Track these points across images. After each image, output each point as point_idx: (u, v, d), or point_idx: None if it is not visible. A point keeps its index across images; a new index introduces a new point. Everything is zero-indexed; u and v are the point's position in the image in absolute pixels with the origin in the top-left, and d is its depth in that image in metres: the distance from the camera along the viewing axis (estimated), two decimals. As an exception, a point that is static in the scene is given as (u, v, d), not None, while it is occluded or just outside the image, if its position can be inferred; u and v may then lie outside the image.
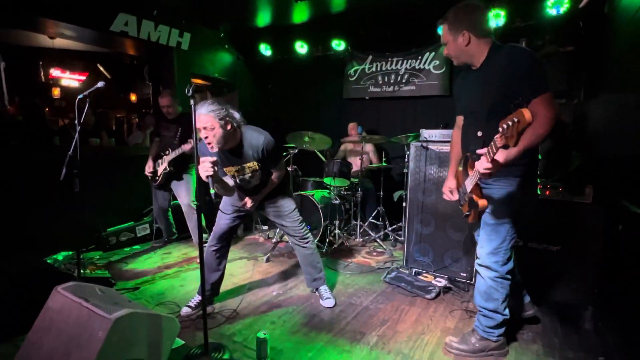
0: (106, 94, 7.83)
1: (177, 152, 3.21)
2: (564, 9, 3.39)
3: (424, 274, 2.91)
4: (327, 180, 3.87)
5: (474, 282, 2.68)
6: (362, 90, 4.88)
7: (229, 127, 2.00)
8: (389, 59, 4.65)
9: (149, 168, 3.40)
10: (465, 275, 2.76)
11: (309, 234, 2.51)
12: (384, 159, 4.10)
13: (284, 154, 3.92)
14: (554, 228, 2.46)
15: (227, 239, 2.42)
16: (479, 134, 1.69)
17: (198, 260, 1.93)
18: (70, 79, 7.44)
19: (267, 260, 3.37)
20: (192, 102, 1.67)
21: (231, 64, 5.13)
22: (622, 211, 2.20)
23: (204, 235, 3.06)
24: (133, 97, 8.69)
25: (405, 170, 3.29)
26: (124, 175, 3.91)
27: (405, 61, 4.55)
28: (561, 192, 2.58)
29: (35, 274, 2.16)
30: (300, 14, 4.25)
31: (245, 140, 2.13)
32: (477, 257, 1.88)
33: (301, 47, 4.95)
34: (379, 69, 4.74)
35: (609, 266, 2.30)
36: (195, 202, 3.33)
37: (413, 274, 2.95)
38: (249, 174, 2.22)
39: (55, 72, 7.14)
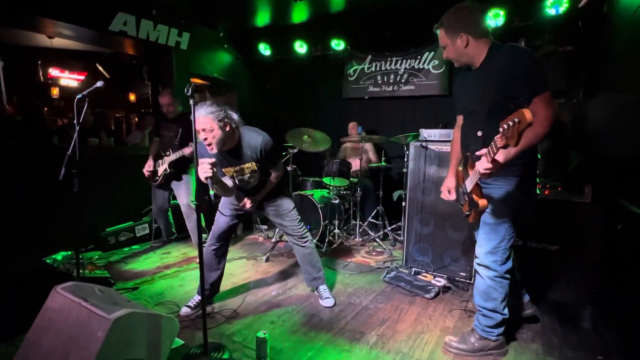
0: (105, 93, 7.81)
1: (178, 155, 3.20)
2: (563, 8, 3.39)
3: (424, 274, 2.91)
4: (326, 179, 3.87)
5: (473, 281, 2.68)
6: (362, 90, 4.88)
7: (227, 129, 2.01)
8: (388, 59, 4.65)
9: (148, 167, 3.40)
10: (464, 274, 2.76)
11: (308, 234, 2.51)
12: (383, 159, 4.10)
13: (283, 153, 3.92)
14: (553, 227, 2.46)
15: (226, 238, 2.42)
16: (479, 133, 1.69)
17: (197, 260, 1.94)
18: (69, 79, 7.43)
19: (267, 260, 3.37)
20: (191, 101, 1.67)
21: (230, 63, 5.13)
22: (621, 211, 2.20)
23: (203, 235, 3.06)
24: (132, 97, 8.69)
25: (404, 170, 3.29)
26: (123, 175, 3.90)
27: (404, 61, 4.56)
28: (560, 191, 2.59)
29: (34, 274, 2.16)
30: (299, 14, 4.25)
31: (244, 141, 2.14)
32: (476, 257, 1.88)
33: (300, 47, 4.95)
34: (378, 68, 4.74)
35: (608, 266, 2.31)
36: (195, 202, 3.33)
37: (412, 273, 2.95)
38: (248, 175, 2.22)
39: (54, 72, 7.12)
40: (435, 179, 2.86)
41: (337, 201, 3.72)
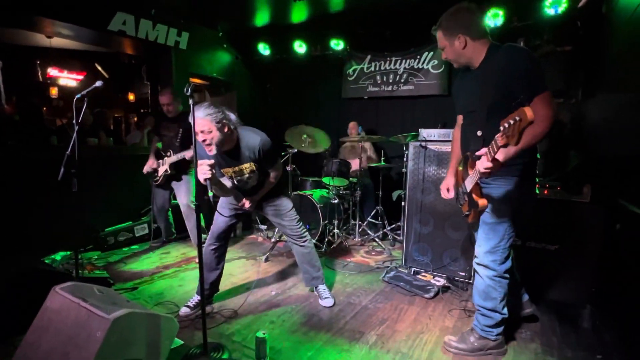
0: (104, 93, 7.79)
1: (179, 157, 3.19)
2: (561, 8, 3.40)
3: (423, 273, 2.91)
4: (325, 179, 3.87)
5: (472, 281, 2.68)
6: (361, 89, 4.88)
7: (226, 130, 2.01)
8: (388, 59, 4.65)
9: (149, 166, 3.38)
10: (463, 274, 2.77)
11: (307, 233, 2.51)
12: (382, 158, 4.10)
13: (283, 153, 3.92)
14: (552, 227, 2.47)
15: (225, 238, 2.42)
16: (479, 133, 1.69)
17: (197, 260, 1.93)
18: (67, 79, 7.42)
19: (266, 259, 3.36)
20: (191, 101, 1.67)
21: (229, 63, 5.13)
22: (620, 210, 2.21)
23: (203, 235, 3.06)
24: (131, 97, 8.68)
25: (404, 170, 3.29)
26: (122, 175, 3.90)
27: (403, 61, 4.56)
28: (559, 191, 2.59)
29: (33, 274, 2.15)
30: (298, 14, 4.25)
31: (242, 141, 2.14)
32: (475, 256, 1.88)
33: (300, 47, 4.95)
34: (377, 68, 4.74)
35: (607, 265, 2.31)
36: (194, 202, 3.33)
37: (412, 273, 2.95)
38: (247, 175, 2.22)
39: (52, 72, 7.11)
40: (434, 178, 2.86)
41: (336, 201, 3.72)
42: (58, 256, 2.98)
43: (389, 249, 3.70)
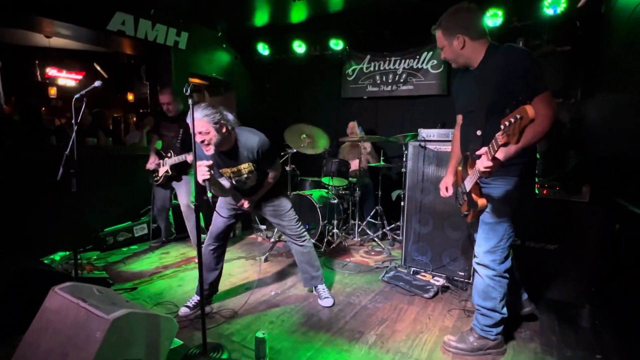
0: (103, 93, 7.77)
1: (180, 159, 3.19)
2: (561, 8, 3.41)
3: (422, 273, 2.91)
4: (325, 179, 3.87)
5: (472, 281, 2.68)
6: (360, 89, 4.88)
7: (223, 130, 2.01)
8: (387, 59, 4.65)
9: (152, 162, 3.37)
10: (463, 274, 2.77)
11: (306, 233, 2.51)
12: (382, 158, 4.09)
13: (282, 153, 3.91)
14: (551, 227, 2.47)
15: (224, 238, 2.42)
16: (478, 133, 1.70)
17: (196, 260, 1.93)
18: (66, 79, 7.40)
19: (266, 259, 3.36)
20: (190, 101, 1.68)
21: (229, 63, 5.13)
22: (618, 210, 2.21)
23: (202, 236, 3.06)
24: (130, 97, 8.66)
25: (403, 170, 3.29)
26: (122, 175, 3.89)
27: (403, 61, 4.56)
28: (558, 191, 2.59)
29: (32, 275, 2.15)
30: (298, 14, 4.25)
31: (240, 141, 2.14)
32: (475, 256, 1.88)
33: (299, 47, 4.95)
34: (376, 68, 4.74)
35: (606, 265, 2.31)
36: (194, 202, 3.32)
37: (411, 273, 2.95)
38: (245, 176, 2.22)
39: (51, 72, 7.10)
40: (433, 178, 2.86)
41: (335, 201, 3.72)
42: (57, 256, 2.98)
43: (389, 248, 3.70)
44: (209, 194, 1.82)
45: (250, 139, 2.14)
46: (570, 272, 2.42)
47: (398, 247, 3.77)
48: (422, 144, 2.89)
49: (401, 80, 4.59)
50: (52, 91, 7.32)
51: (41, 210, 3.12)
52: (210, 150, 2.02)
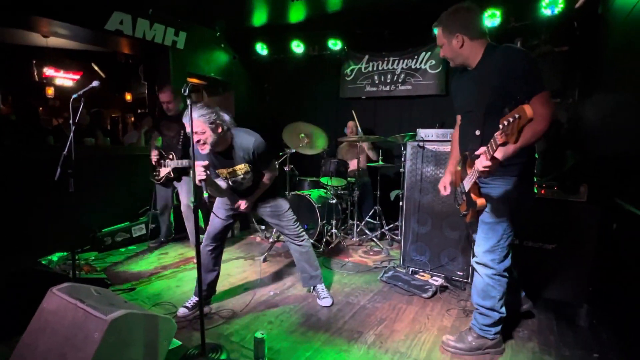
0: (101, 93, 7.76)
1: (182, 164, 3.17)
2: (558, 9, 3.42)
3: (421, 273, 2.92)
4: (323, 179, 3.87)
5: (470, 280, 2.69)
6: (359, 89, 4.88)
7: (219, 130, 2.02)
8: (385, 59, 4.65)
9: (153, 157, 3.35)
10: (461, 274, 2.77)
11: (304, 233, 2.52)
12: (380, 158, 4.09)
13: (280, 153, 3.91)
14: (549, 227, 2.48)
15: (222, 239, 2.42)
16: (477, 132, 1.70)
17: (195, 261, 1.92)
18: (64, 78, 7.37)
19: (264, 260, 3.36)
20: (189, 101, 1.68)
21: (227, 63, 5.12)
22: (616, 210, 2.22)
23: (201, 236, 3.06)
24: (128, 97, 8.64)
25: (401, 170, 3.29)
26: (120, 175, 3.88)
27: (401, 61, 4.56)
28: (556, 191, 2.60)
29: (29, 275, 2.14)
30: (296, 14, 4.25)
31: (236, 142, 2.14)
32: (474, 255, 1.89)
33: (297, 47, 4.94)
34: (375, 68, 4.74)
35: (604, 264, 2.32)
36: (194, 202, 3.32)
37: (410, 273, 2.96)
38: (241, 176, 2.22)
39: (49, 71, 7.06)
40: (432, 178, 2.86)
41: (334, 201, 3.72)
42: (55, 257, 2.96)
43: (387, 248, 3.70)
44: (205, 194, 1.83)
45: (246, 139, 2.14)
46: (568, 272, 2.43)
47: (397, 247, 3.77)
48: (421, 144, 2.89)
49: (399, 80, 4.59)
50: (50, 91, 7.29)
51: (39, 210, 3.10)
52: (206, 150, 2.03)
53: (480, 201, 1.65)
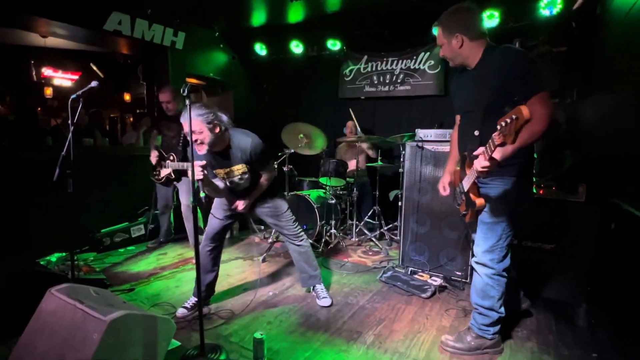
0: (99, 93, 7.73)
1: (183, 167, 3.17)
2: (557, 9, 3.43)
3: (420, 273, 2.92)
4: (322, 179, 3.87)
5: (469, 280, 2.70)
6: (358, 90, 4.88)
7: (216, 130, 2.02)
8: (384, 59, 4.66)
9: (153, 158, 3.35)
10: (460, 274, 2.78)
11: (303, 233, 2.52)
12: (379, 158, 4.10)
13: (279, 154, 3.91)
14: (547, 226, 2.48)
15: (220, 239, 2.42)
16: (476, 132, 1.71)
17: (193, 261, 1.92)
18: (62, 79, 7.35)
19: (263, 260, 3.36)
20: (187, 102, 1.68)
21: (226, 63, 5.11)
22: (614, 210, 2.23)
23: (200, 237, 3.06)
24: (127, 97, 8.62)
25: (400, 170, 3.30)
26: (118, 175, 3.87)
27: (400, 61, 4.57)
28: (555, 191, 2.60)
29: (28, 276, 2.13)
30: (295, 14, 4.25)
31: (233, 143, 2.15)
32: (473, 255, 1.89)
33: (296, 47, 4.94)
34: (374, 68, 4.74)
35: (602, 264, 2.33)
36: (193, 202, 3.32)
37: (409, 273, 2.96)
38: (238, 177, 2.22)
39: (47, 72, 7.04)
40: (431, 178, 2.87)
41: (333, 201, 3.72)
42: (53, 257, 2.95)
43: (386, 248, 3.70)
44: (202, 194, 1.83)
45: (244, 140, 2.14)
46: (567, 272, 2.43)
47: (396, 247, 3.78)
48: (420, 144, 2.90)
49: (398, 81, 4.60)
50: (48, 91, 7.27)
51: (37, 211, 3.10)
52: (203, 150, 2.03)
53: (479, 201, 1.65)
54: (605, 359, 1.91)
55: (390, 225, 4.03)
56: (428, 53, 4.38)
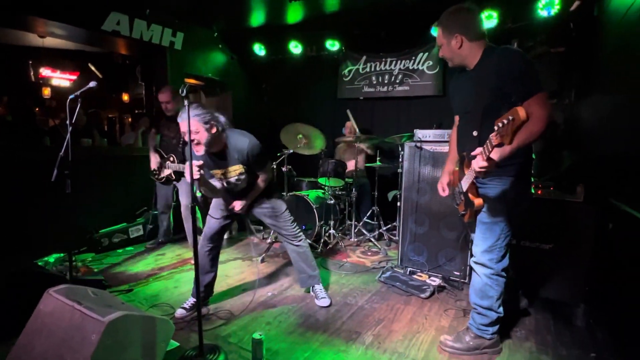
0: (98, 93, 7.73)
1: (182, 168, 3.17)
2: (554, 10, 3.43)
3: (419, 273, 2.92)
4: (321, 180, 3.87)
5: (467, 280, 2.70)
6: (356, 90, 4.89)
7: (213, 131, 2.02)
8: (383, 59, 4.66)
9: (153, 164, 3.35)
10: (459, 274, 2.78)
11: (301, 233, 2.52)
12: (378, 158, 4.10)
13: (278, 154, 3.91)
14: (546, 227, 2.49)
15: (219, 239, 2.42)
16: (474, 133, 1.71)
17: (192, 262, 1.91)
18: (60, 79, 7.34)
19: (262, 260, 3.36)
20: (186, 102, 1.69)
21: (225, 63, 5.11)
22: (612, 210, 2.24)
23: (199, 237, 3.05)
24: (125, 97, 8.61)
25: (399, 170, 3.30)
26: (117, 176, 3.86)
27: (398, 61, 4.57)
28: (553, 191, 2.61)
29: (25, 277, 2.13)
30: (294, 14, 4.25)
31: (230, 143, 2.15)
32: (472, 255, 1.90)
33: (295, 47, 4.94)
34: (372, 69, 4.75)
35: (600, 264, 2.34)
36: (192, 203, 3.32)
37: (407, 273, 2.96)
38: (235, 177, 2.22)
39: (45, 72, 7.03)
40: (429, 179, 2.87)
41: (332, 201, 3.72)
42: (51, 258, 2.94)
43: (385, 249, 3.71)
44: (199, 194, 1.83)
45: (241, 141, 2.14)
46: (565, 272, 2.44)
47: (394, 247, 3.78)
48: (418, 144, 2.90)
49: (397, 81, 4.60)
50: (46, 91, 7.25)
51: (35, 212, 3.09)
52: (201, 150, 2.03)
53: (478, 201, 1.65)
54: (603, 358, 1.92)
55: (389, 226, 4.03)
56: (426, 53, 4.39)
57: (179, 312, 2.30)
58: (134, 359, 1.49)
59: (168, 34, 4.15)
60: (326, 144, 3.89)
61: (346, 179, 3.95)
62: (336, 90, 5.04)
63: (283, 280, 2.95)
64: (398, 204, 3.40)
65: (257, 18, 4.46)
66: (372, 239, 3.87)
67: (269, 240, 3.70)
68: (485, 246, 1.80)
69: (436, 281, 2.75)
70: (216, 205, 2.40)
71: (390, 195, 3.86)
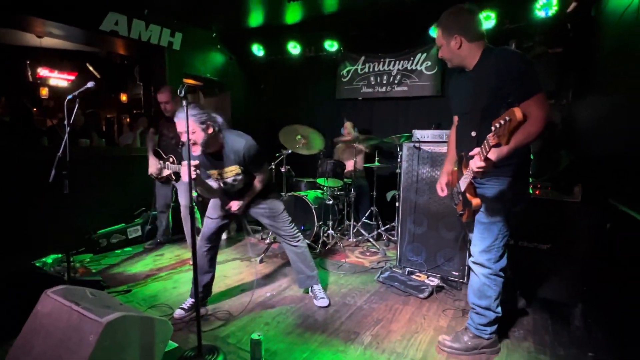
0: (96, 94, 7.71)
1: (179, 170, 3.17)
2: (552, 11, 3.45)
3: (417, 274, 2.93)
4: (320, 180, 3.87)
5: (466, 280, 2.71)
6: (355, 90, 4.89)
7: (210, 131, 2.03)
8: (381, 60, 4.67)
9: (152, 168, 3.34)
10: (457, 274, 2.79)
11: (299, 233, 2.52)
12: (376, 159, 4.10)
13: (277, 154, 3.91)
14: (543, 227, 2.50)
15: (217, 240, 2.42)
16: (473, 133, 1.72)
17: (190, 262, 1.91)
18: (58, 79, 7.33)
19: (261, 261, 3.35)
20: (184, 102, 1.68)
21: (223, 64, 5.11)
22: (610, 210, 2.24)
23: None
24: (123, 97, 8.60)
25: (398, 171, 3.30)
26: (115, 176, 3.85)
27: (397, 62, 4.58)
28: (551, 191, 2.62)
29: (23, 277, 2.12)
30: (293, 15, 4.25)
31: (227, 144, 2.15)
32: (470, 255, 1.90)
33: (294, 48, 4.95)
34: (371, 69, 4.76)
35: (598, 264, 2.34)
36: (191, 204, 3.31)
37: (406, 273, 2.97)
38: (232, 178, 2.22)
39: (43, 72, 7.01)
40: (428, 179, 2.88)
41: (331, 202, 3.73)
42: (49, 259, 2.94)
43: (384, 249, 3.71)
44: (195, 193, 1.83)
45: (237, 142, 2.14)
46: (563, 272, 2.45)
47: (393, 247, 3.78)
48: (417, 145, 2.91)
49: (395, 82, 4.61)
50: (44, 92, 7.24)
51: (33, 212, 3.07)
52: (197, 150, 2.03)
53: (476, 201, 1.66)
54: (601, 358, 1.92)
55: (388, 226, 4.04)
56: (425, 54, 4.40)
57: (178, 313, 2.29)
58: (132, 360, 1.48)
59: (166, 34, 4.14)
60: (325, 144, 3.90)
61: (345, 179, 3.95)
62: (335, 90, 5.05)
63: (281, 280, 2.95)
64: (397, 204, 3.40)
65: (256, 18, 4.46)
66: (371, 239, 3.87)
67: (267, 241, 3.70)
68: (483, 246, 1.80)
69: (435, 281, 2.76)
70: (214, 206, 2.40)
71: (389, 195, 3.86)
